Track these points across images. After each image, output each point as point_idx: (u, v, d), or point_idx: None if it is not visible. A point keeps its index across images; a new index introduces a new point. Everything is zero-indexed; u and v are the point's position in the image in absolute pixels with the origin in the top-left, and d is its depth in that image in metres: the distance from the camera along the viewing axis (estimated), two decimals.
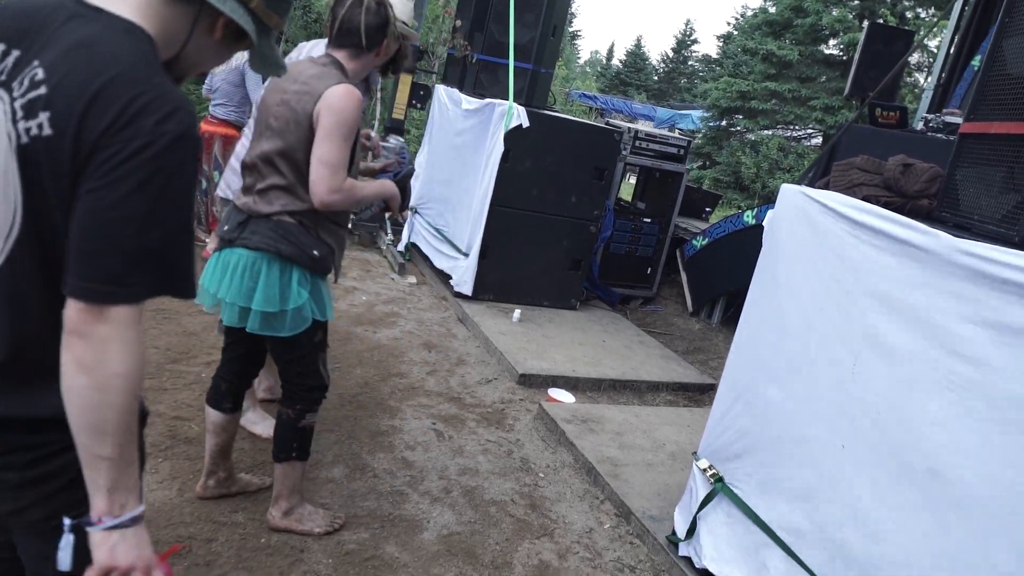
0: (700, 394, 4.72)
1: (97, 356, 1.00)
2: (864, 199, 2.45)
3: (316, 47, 2.82)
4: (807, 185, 2.72)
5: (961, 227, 2.25)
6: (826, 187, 2.64)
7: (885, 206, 2.44)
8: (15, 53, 1.05)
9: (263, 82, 4.75)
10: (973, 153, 2.30)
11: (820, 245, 2.35)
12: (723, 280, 5.81)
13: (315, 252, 2.29)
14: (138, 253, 1.01)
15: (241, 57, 4.82)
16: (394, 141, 3.31)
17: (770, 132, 15.90)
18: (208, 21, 1.14)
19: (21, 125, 1.01)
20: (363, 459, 3.16)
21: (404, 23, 2.64)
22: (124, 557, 1.07)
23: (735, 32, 25.30)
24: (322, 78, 2.22)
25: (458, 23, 6.03)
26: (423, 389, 3.99)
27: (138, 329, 1.03)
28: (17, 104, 1.02)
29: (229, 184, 3.11)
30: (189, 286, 1.08)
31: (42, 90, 1.00)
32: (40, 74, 1.01)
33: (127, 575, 1.08)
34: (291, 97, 2.22)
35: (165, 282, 1.05)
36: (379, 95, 6.71)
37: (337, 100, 2.17)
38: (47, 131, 0.99)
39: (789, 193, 2.54)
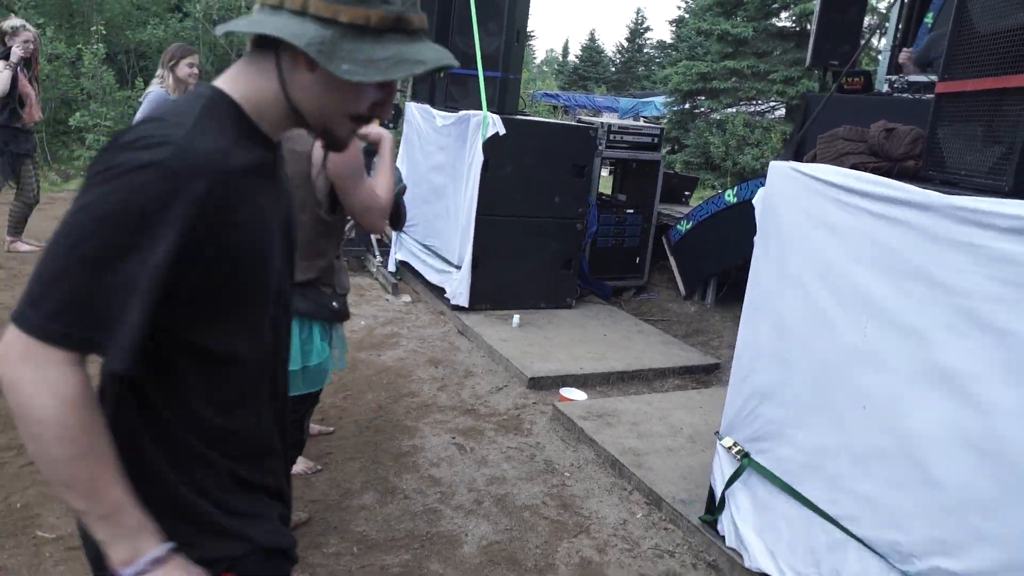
0: (706, 375, 4.78)
1: (13, 399, 0.90)
2: (853, 167, 2.53)
3: None
4: (792, 160, 2.79)
5: (949, 183, 2.32)
6: (814, 160, 2.70)
7: (874, 172, 2.51)
8: None
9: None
10: (952, 112, 2.38)
11: (817, 219, 2.42)
12: (712, 261, 5.89)
13: (334, 304, 2.31)
14: (53, 272, 0.90)
15: None
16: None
17: (734, 110, 16.05)
18: (290, 61, 1.02)
19: None
20: (391, 482, 3.18)
21: None
22: None
23: (687, 16, 25.54)
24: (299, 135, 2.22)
25: None
26: (436, 405, 4.02)
27: (61, 371, 0.90)
28: None
29: None
30: (120, 352, 0.91)
31: None
32: None
33: None
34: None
35: (76, 324, 0.89)
36: None
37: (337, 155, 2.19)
38: None
39: (779, 170, 2.61)
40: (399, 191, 2.78)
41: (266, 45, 1.02)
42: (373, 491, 3.10)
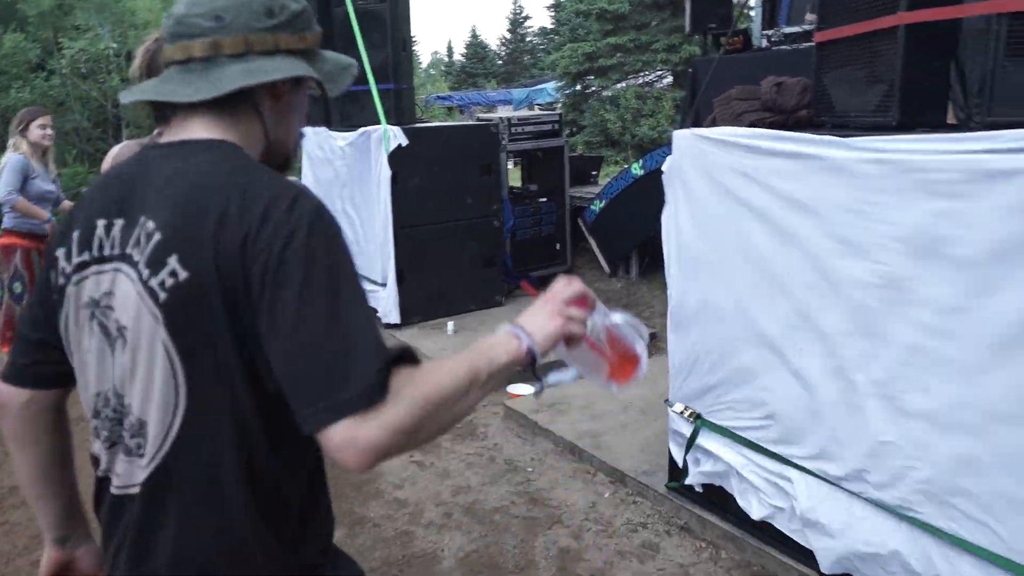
0: None
1: (404, 422, 0.88)
2: (751, 125, 2.63)
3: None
4: (693, 127, 2.88)
5: (840, 126, 2.44)
6: (714, 124, 2.79)
7: (770, 126, 2.62)
8: (119, 222, 1.00)
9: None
10: (833, 58, 2.49)
11: (723, 179, 2.50)
12: (629, 235, 6.00)
13: None
14: (351, 340, 0.89)
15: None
16: None
17: (623, 84, 16.39)
18: (267, 96, 1.07)
19: (154, 282, 0.95)
20: (357, 513, 3.13)
21: None
22: None
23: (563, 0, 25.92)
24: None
25: None
26: None
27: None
28: (141, 266, 0.96)
29: None
30: (408, 352, 0.95)
31: (158, 236, 0.96)
32: (150, 224, 0.97)
33: None
34: None
35: (385, 353, 0.90)
36: None
37: None
38: (183, 274, 0.93)
39: (683, 138, 2.69)
40: None
41: (238, 93, 1.03)
42: (341, 526, 3.04)
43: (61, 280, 1.04)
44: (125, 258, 0.98)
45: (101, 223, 1.01)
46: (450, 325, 5.17)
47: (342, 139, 5.48)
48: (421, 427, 0.90)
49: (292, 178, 1.08)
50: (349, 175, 5.54)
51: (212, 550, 1.00)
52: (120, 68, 14.55)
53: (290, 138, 1.14)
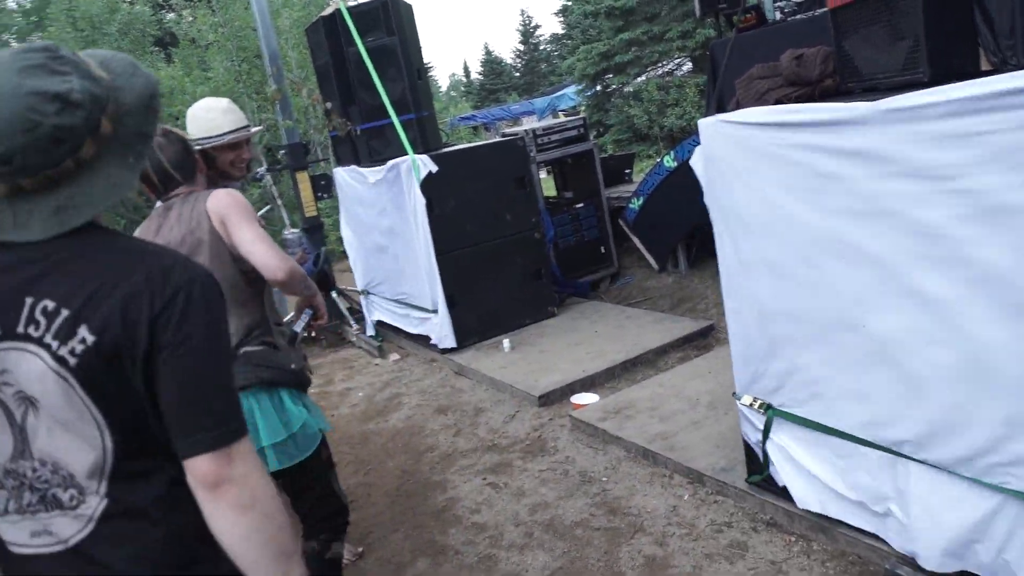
0: (704, 338, 4.81)
1: (250, 492, 1.06)
2: (777, 103, 2.57)
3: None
4: (716, 113, 2.83)
5: (869, 90, 2.37)
6: (738, 107, 2.74)
7: (797, 101, 2.56)
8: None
9: None
10: (850, 21, 2.42)
11: (759, 163, 2.45)
12: (673, 228, 5.93)
13: (292, 365, 2.28)
14: (228, 389, 1.10)
15: None
16: (291, 234, 3.29)
17: (643, 78, 16.28)
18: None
19: (64, 351, 1.05)
20: (438, 541, 3.15)
21: (229, 132, 2.63)
22: None
23: (569, 3, 25.89)
24: (191, 203, 2.22)
25: (328, 105, 6.07)
26: (458, 451, 3.99)
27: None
28: (48, 339, 1.05)
29: None
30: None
31: (64, 312, 1.05)
32: (49, 304, 1.05)
33: None
34: (182, 239, 2.19)
35: (241, 413, 1.12)
36: (279, 202, 6.69)
37: (223, 199, 2.18)
38: (90, 338, 1.04)
39: (708, 126, 2.64)
40: (324, 258, 2.75)
41: None
42: (424, 556, 3.06)
43: None
44: (26, 338, 1.09)
45: None
46: (506, 342, 5.17)
47: (372, 175, 5.56)
48: None
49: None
50: (384, 209, 5.60)
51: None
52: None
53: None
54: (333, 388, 5.43)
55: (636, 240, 6.37)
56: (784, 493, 2.70)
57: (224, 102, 2.74)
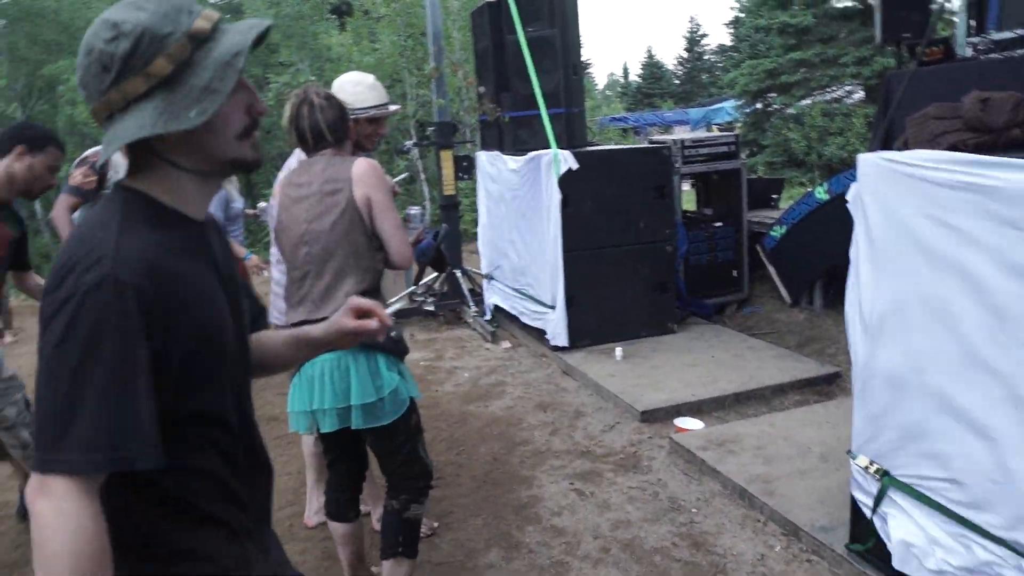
0: (828, 385, 4.53)
1: (39, 534, 0.91)
2: (951, 148, 2.35)
3: (294, 157, 2.96)
4: (882, 149, 2.63)
5: None
6: (906, 146, 2.53)
7: (975, 149, 2.33)
8: None
9: None
10: None
11: (918, 209, 2.24)
12: (814, 263, 5.63)
13: (392, 333, 2.34)
14: (68, 414, 0.93)
15: None
16: (414, 211, 3.40)
17: (809, 101, 15.55)
18: (159, 143, 1.07)
19: None
20: (514, 536, 3.13)
21: (372, 107, 2.83)
22: None
23: (742, 15, 25.08)
24: (336, 165, 2.36)
25: (481, 90, 6.15)
26: (551, 451, 3.95)
27: (84, 504, 0.93)
28: None
29: (278, 310, 3.14)
30: (148, 451, 0.97)
31: None
32: None
33: None
34: (317, 197, 2.34)
35: (111, 449, 0.94)
36: (423, 176, 6.88)
37: (368, 171, 2.33)
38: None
39: (869, 162, 2.45)
40: (444, 234, 2.85)
41: (135, 147, 1.06)
42: (497, 548, 3.06)
43: None
44: None
45: None
46: (619, 351, 5.08)
47: (513, 162, 5.59)
48: None
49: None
50: (519, 198, 5.63)
51: None
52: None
53: (222, 148, 1.10)
54: (442, 364, 5.53)
55: (771, 269, 6.09)
56: (889, 570, 2.48)
57: (371, 78, 2.96)
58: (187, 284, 1.07)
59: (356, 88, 2.88)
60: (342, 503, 2.58)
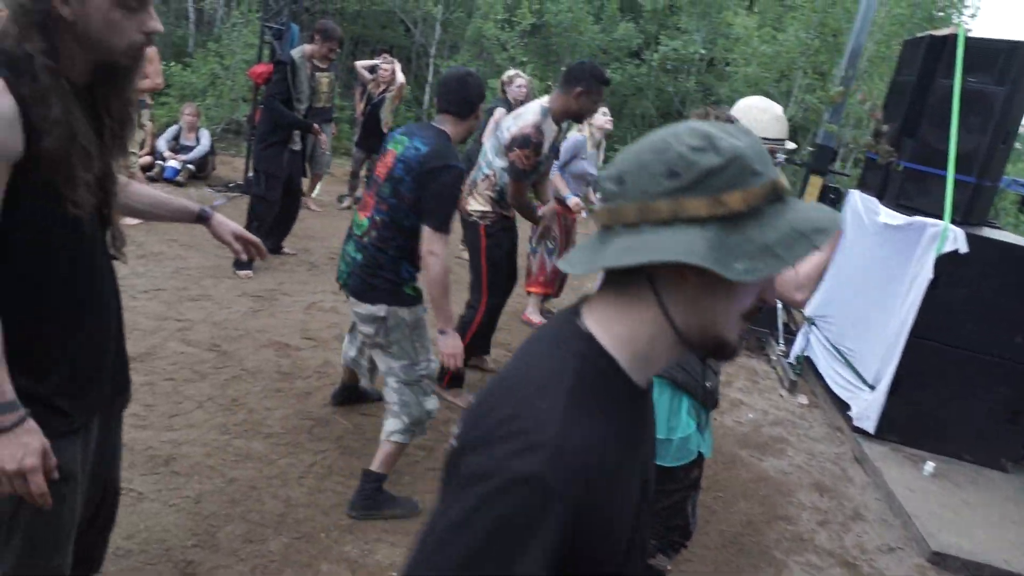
0: None
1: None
2: None
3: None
4: None
5: None
6: None
7: None
8: None
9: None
10: None
11: None
12: None
13: (707, 383, 2.25)
14: None
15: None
16: None
17: None
18: (668, 280, 0.91)
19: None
20: None
21: (772, 139, 2.74)
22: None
23: None
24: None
25: (885, 128, 5.53)
26: (813, 544, 3.60)
27: None
28: None
29: None
30: None
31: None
32: None
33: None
34: None
35: None
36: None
37: None
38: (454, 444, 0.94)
39: None
40: None
41: (634, 270, 0.90)
42: None
43: None
44: None
45: None
46: (930, 465, 4.42)
47: (888, 217, 4.97)
48: None
49: None
50: (878, 258, 5.03)
51: None
52: (699, 71, 15.64)
53: (718, 322, 0.92)
54: (728, 392, 5.28)
55: None
56: None
57: (778, 109, 2.92)
58: (617, 495, 0.90)
59: (763, 116, 2.79)
60: None
